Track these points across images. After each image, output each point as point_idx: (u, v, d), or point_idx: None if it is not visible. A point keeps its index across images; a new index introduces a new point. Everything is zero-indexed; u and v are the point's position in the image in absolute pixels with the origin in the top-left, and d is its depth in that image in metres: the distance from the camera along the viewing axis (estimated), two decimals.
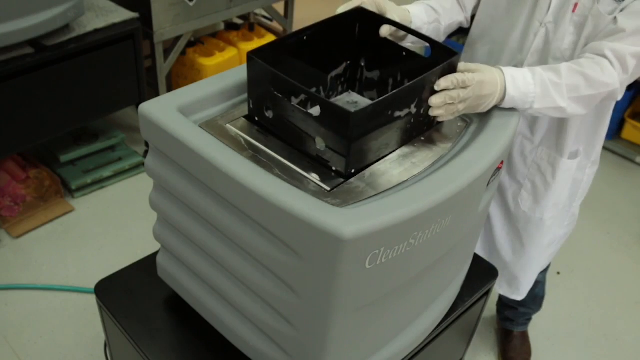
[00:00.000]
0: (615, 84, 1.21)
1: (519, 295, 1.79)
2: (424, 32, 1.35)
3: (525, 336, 2.10)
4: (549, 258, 1.76)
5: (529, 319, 2.07)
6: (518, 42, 1.39)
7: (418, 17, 1.35)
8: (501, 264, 1.72)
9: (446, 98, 1.04)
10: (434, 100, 1.04)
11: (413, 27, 1.31)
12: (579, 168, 1.54)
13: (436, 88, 1.04)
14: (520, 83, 1.14)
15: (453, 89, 1.05)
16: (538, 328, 2.19)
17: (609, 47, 1.20)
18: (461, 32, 3.53)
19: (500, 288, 1.81)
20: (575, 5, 1.27)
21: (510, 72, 1.14)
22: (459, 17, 1.46)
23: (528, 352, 2.08)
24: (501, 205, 1.65)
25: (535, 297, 1.95)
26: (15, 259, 2.26)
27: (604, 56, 1.20)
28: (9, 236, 2.35)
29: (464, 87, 1.06)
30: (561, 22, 1.30)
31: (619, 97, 1.26)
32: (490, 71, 1.11)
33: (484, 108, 1.12)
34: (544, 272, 1.86)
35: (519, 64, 1.40)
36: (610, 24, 1.23)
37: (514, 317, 2.04)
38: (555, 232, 1.66)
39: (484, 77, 1.09)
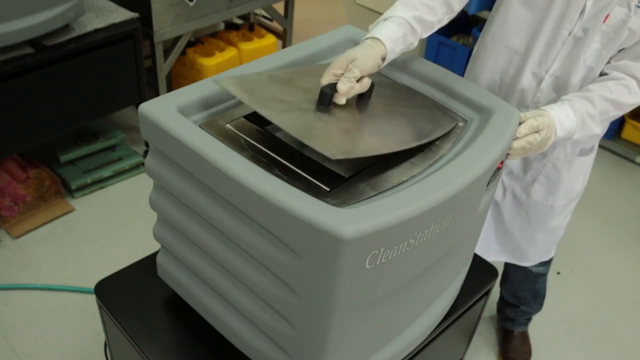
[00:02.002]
0: None
1: (528, 261, 1.78)
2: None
3: (525, 336, 2.11)
4: (555, 240, 1.76)
5: (529, 319, 2.07)
6: (542, 51, 1.38)
7: (392, 51, 1.14)
8: (508, 238, 1.74)
9: (526, 143, 1.14)
10: (515, 144, 1.12)
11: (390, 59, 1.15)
12: (590, 161, 1.59)
13: (518, 135, 1.13)
14: (566, 124, 1.23)
15: (530, 134, 1.14)
16: (538, 328, 2.19)
17: (639, 68, 1.27)
18: (461, 32, 3.54)
19: (506, 258, 1.81)
20: (607, 16, 1.27)
21: (556, 114, 1.22)
22: (444, 18, 1.31)
23: (528, 352, 2.08)
24: (511, 193, 1.66)
25: (537, 294, 1.95)
26: (15, 259, 2.27)
27: (634, 77, 1.28)
28: (9, 236, 2.35)
29: (538, 132, 1.16)
30: (591, 32, 1.30)
31: None
32: (547, 115, 1.20)
33: (545, 149, 1.22)
34: (547, 264, 1.86)
35: (542, 73, 1.40)
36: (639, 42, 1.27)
37: (514, 316, 2.04)
38: (564, 218, 1.69)
39: (548, 120, 1.18)
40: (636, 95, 1.29)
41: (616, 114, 1.32)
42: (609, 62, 1.33)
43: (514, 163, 1.59)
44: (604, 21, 1.27)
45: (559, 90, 1.41)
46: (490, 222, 1.74)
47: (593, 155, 1.57)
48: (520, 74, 1.44)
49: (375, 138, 1.01)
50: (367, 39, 1.12)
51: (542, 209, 1.63)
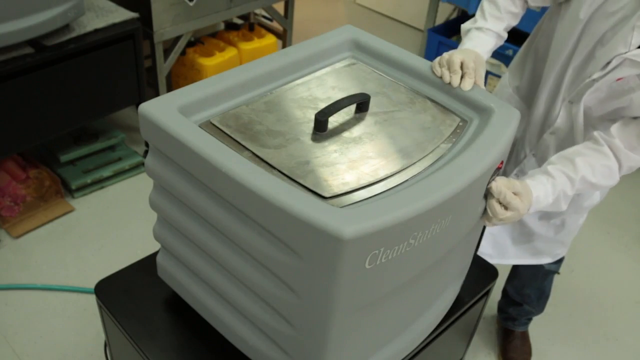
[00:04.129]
0: (615, 183, 1.33)
1: (544, 258, 1.78)
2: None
3: (525, 336, 2.11)
4: (570, 234, 1.75)
5: (530, 319, 2.07)
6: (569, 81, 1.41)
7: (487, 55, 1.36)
8: (524, 237, 1.73)
9: (490, 210, 1.13)
10: (486, 221, 1.14)
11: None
12: None
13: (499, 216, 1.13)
14: (540, 206, 1.23)
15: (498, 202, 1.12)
16: (538, 328, 2.19)
17: (626, 156, 1.27)
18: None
19: (524, 259, 1.80)
20: (622, 78, 1.27)
21: (537, 194, 1.20)
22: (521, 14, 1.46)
23: (528, 352, 2.08)
24: None
25: (542, 293, 1.95)
26: (15, 259, 2.26)
27: (619, 160, 1.28)
28: (9, 236, 2.35)
29: (506, 208, 1.13)
30: (601, 83, 1.30)
31: None
32: (527, 196, 1.18)
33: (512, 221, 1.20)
34: (559, 262, 1.86)
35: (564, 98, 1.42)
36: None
37: (516, 316, 2.04)
38: (577, 220, 1.67)
39: (522, 205, 1.15)
40: (614, 178, 1.30)
41: (590, 192, 1.36)
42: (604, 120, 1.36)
43: (529, 163, 1.59)
44: (618, 80, 1.27)
45: (572, 121, 1.42)
46: (503, 226, 1.73)
47: None
48: (555, 92, 1.45)
49: (373, 161, 1.00)
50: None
51: (554, 215, 1.62)
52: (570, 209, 1.57)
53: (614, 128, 1.28)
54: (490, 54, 1.36)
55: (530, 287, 1.93)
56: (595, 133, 1.31)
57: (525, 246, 1.76)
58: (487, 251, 1.74)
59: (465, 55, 1.20)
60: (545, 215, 1.65)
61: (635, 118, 1.28)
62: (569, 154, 1.29)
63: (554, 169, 1.26)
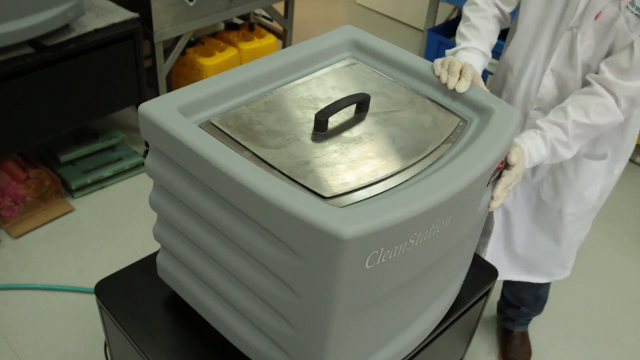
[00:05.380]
0: (619, 118, 1.30)
1: (541, 275, 1.79)
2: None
3: (525, 336, 2.11)
4: (568, 255, 1.76)
5: (529, 320, 2.07)
6: (546, 46, 1.41)
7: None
8: (517, 252, 1.74)
9: (506, 187, 1.15)
10: (499, 192, 1.14)
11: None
12: (607, 172, 1.56)
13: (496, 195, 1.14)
14: (536, 158, 1.26)
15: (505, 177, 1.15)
16: (538, 328, 2.20)
17: (620, 86, 1.27)
18: None
19: (518, 275, 1.81)
20: (599, 13, 1.28)
21: (527, 147, 1.24)
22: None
23: (528, 352, 2.08)
24: (520, 195, 1.65)
25: (539, 299, 1.95)
26: (15, 259, 2.27)
27: (613, 94, 1.28)
28: (9, 236, 2.35)
29: (509, 170, 1.16)
30: (584, 27, 1.32)
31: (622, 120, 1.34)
32: (518, 147, 1.20)
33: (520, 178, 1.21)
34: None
35: (545, 69, 1.43)
36: (627, 47, 1.27)
37: (514, 317, 2.04)
38: (578, 231, 1.68)
39: (519, 157, 1.18)
40: (614, 114, 1.30)
41: (594, 134, 1.33)
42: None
43: None
44: (596, 18, 1.29)
45: (562, 88, 1.42)
46: (499, 236, 1.74)
47: (605, 163, 1.54)
48: (525, 68, 1.46)
49: (373, 161, 1.00)
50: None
51: (552, 213, 1.62)
52: (573, 206, 1.57)
53: (603, 63, 1.30)
54: (480, 72, 1.34)
55: (526, 292, 1.94)
56: (587, 76, 1.32)
57: (520, 261, 1.76)
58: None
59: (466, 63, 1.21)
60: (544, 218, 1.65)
61: (624, 48, 1.29)
62: (562, 104, 1.32)
63: (542, 122, 1.29)
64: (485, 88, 1.20)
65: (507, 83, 1.54)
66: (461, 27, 1.42)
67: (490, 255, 1.75)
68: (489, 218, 1.70)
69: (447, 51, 1.39)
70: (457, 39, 1.42)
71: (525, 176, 1.61)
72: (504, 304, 2.06)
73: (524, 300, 1.96)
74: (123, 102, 2.58)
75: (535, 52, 1.44)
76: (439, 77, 1.18)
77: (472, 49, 1.37)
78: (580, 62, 1.36)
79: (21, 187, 2.42)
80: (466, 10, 1.45)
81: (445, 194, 0.92)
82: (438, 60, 1.20)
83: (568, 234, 1.67)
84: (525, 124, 1.52)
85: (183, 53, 2.96)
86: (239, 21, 3.36)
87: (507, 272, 1.79)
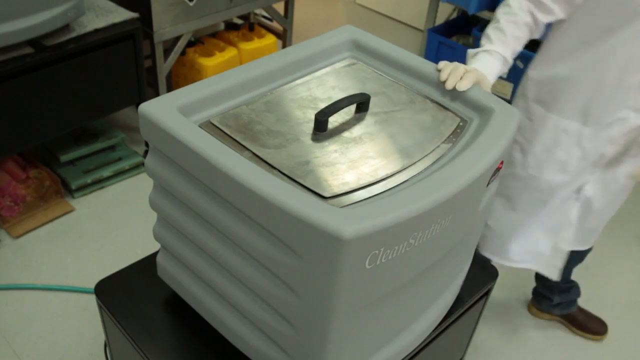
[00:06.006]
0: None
1: (589, 243, 1.83)
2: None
3: (583, 311, 2.19)
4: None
5: (560, 304, 2.14)
6: None
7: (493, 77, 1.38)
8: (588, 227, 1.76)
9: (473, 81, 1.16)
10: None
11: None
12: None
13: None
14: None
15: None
16: (538, 328, 2.20)
17: None
18: (461, 32, 3.53)
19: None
20: None
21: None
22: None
23: (600, 320, 2.18)
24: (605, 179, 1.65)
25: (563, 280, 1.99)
26: (15, 259, 2.27)
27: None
28: (9, 236, 2.35)
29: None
30: None
31: None
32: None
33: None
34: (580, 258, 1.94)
35: None
36: None
37: (568, 299, 2.13)
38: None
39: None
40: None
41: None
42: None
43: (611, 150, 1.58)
44: None
45: None
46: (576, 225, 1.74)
47: None
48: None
49: (373, 161, 1.00)
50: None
51: (623, 181, 1.64)
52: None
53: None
54: (496, 77, 1.36)
55: (567, 270, 1.96)
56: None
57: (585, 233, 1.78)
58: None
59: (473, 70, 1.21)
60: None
61: None
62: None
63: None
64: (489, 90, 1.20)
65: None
66: (489, 29, 1.42)
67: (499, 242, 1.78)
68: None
69: (469, 51, 1.39)
70: (482, 40, 1.42)
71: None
72: (557, 291, 2.09)
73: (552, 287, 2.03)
74: (123, 102, 2.58)
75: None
76: (440, 74, 1.18)
77: (494, 53, 1.37)
78: None
79: (21, 187, 2.42)
80: (499, 11, 1.44)
81: (445, 194, 0.92)
82: (446, 65, 1.19)
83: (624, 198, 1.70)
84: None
85: (183, 53, 2.96)
86: (239, 21, 3.36)
87: (570, 245, 1.80)
